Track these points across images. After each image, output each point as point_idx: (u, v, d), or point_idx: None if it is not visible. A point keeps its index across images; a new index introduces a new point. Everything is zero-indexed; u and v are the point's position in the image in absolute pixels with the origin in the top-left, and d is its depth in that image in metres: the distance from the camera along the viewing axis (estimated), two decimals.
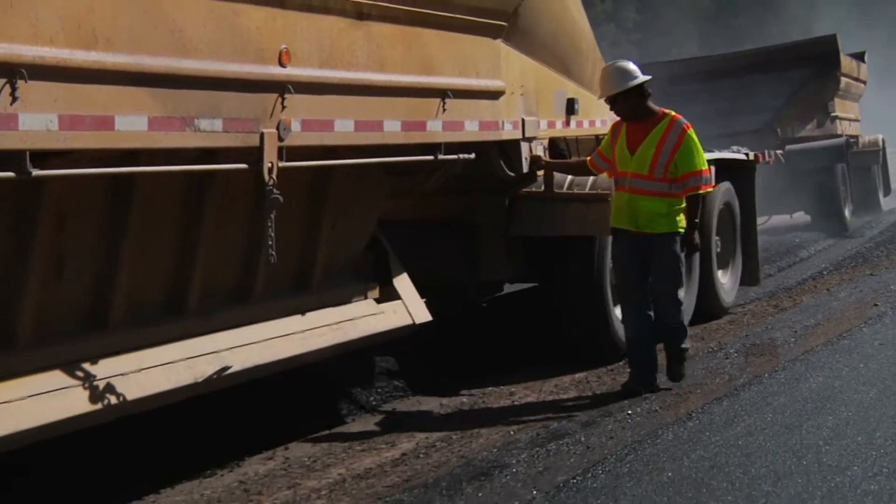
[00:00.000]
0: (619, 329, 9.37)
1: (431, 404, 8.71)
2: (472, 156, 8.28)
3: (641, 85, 8.47)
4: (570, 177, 9.57)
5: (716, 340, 10.71)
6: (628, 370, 8.77)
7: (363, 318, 7.87)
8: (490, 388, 9.08)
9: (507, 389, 9.04)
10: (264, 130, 6.16)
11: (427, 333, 8.79)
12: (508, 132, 8.79)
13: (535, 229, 9.61)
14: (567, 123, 10.27)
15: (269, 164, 6.21)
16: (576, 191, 9.52)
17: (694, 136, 8.50)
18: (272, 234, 6.27)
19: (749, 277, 12.98)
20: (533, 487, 6.31)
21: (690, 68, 23.50)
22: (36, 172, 5.02)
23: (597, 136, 10.13)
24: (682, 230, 8.50)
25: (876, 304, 12.06)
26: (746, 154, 12.86)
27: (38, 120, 4.92)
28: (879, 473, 6.10)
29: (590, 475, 6.43)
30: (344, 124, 6.82)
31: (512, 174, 9.12)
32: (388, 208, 8.57)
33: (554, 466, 6.72)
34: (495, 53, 8.48)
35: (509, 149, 9.05)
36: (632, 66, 8.55)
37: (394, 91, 7.28)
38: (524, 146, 9.15)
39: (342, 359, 8.16)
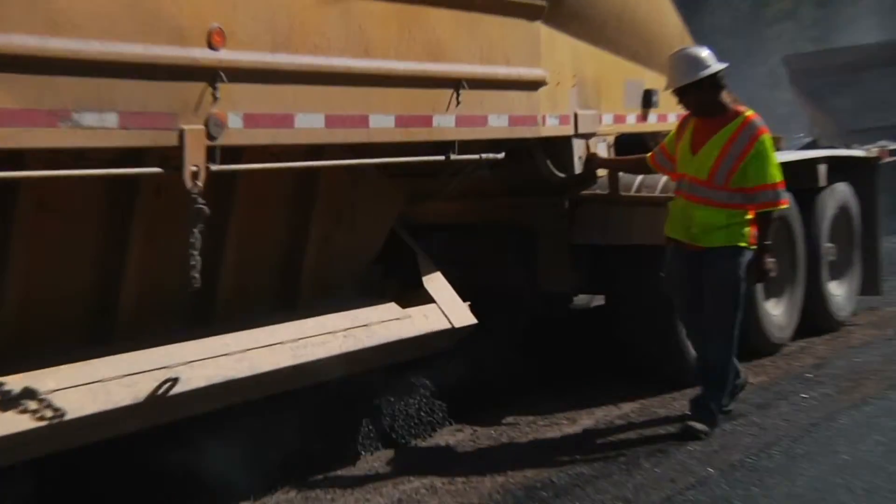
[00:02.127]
0: (692, 351, 7.94)
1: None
2: (500, 155, 6.95)
3: (715, 76, 7.06)
4: (640, 177, 8.17)
5: (892, 327, 10.59)
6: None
7: (381, 323, 6.58)
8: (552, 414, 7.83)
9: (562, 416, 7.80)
10: (185, 127, 4.94)
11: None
12: (553, 128, 7.45)
13: (598, 236, 8.26)
14: (643, 118, 8.85)
15: (194, 168, 4.99)
16: (644, 193, 8.11)
17: (768, 142, 7.07)
18: (196, 254, 5.05)
19: (870, 286, 11.31)
20: (708, 465, 6.41)
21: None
22: None
23: None
24: (744, 245, 7.07)
25: None
26: (866, 151, 11.14)
27: None
28: None
29: (764, 455, 6.56)
30: (309, 119, 5.57)
31: (562, 175, 7.76)
32: (411, 213, 7.37)
33: (729, 446, 6.81)
34: (532, 37, 7.13)
35: (559, 147, 7.70)
36: (705, 53, 7.15)
37: (384, 80, 6.00)
38: (577, 143, 7.80)
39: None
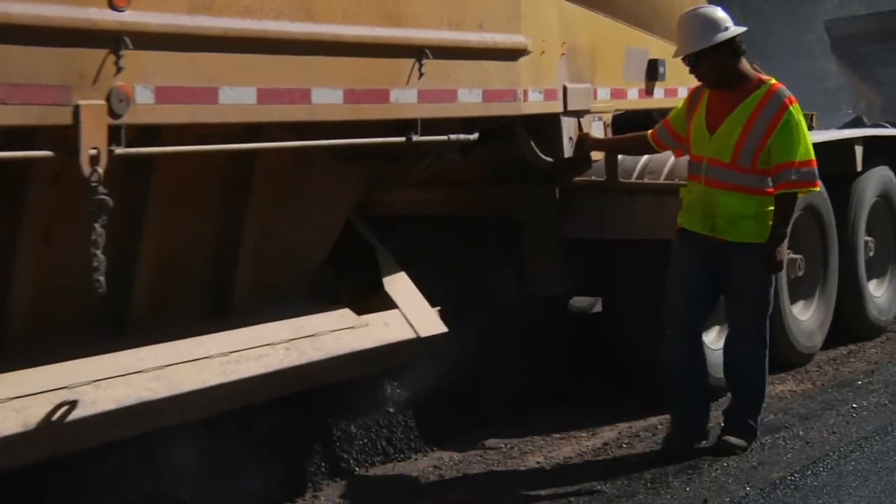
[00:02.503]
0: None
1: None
2: (473, 136, 6.68)
3: (734, 40, 6.76)
4: (642, 161, 7.89)
5: None
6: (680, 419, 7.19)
7: (331, 333, 6.27)
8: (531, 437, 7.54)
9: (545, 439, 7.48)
10: (81, 102, 4.66)
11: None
12: (537, 104, 7.17)
13: (594, 230, 7.98)
14: (648, 92, 8.58)
15: (93, 152, 4.71)
16: (647, 180, 7.83)
17: (798, 113, 6.77)
18: (99, 253, 4.77)
19: None
20: (746, 483, 6.31)
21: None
22: None
23: None
24: None
25: None
26: None
27: None
28: None
29: (809, 472, 6.46)
30: (237, 94, 5.30)
31: (549, 159, 7.48)
32: (374, 203, 7.13)
33: (769, 461, 6.70)
34: None
35: (545, 126, 7.43)
36: (720, 14, 6.84)
37: (329, 48, 5.73)
38: (567, 122, 7.55)
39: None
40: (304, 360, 6.04)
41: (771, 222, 6.72)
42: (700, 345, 7.02)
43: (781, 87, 6.80)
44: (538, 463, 6.93)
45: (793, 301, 9.21)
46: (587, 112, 7.74)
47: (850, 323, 10.01)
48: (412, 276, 7.51)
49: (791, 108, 6.68)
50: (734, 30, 6.75)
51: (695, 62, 6.77)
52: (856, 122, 15.74)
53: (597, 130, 7.89)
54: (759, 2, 57.80)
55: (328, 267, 6.68)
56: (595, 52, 7.85)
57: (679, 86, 8.83)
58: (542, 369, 8.20)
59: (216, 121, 5.28)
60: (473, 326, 7.81)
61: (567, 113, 7.49)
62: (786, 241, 6.79)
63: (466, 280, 8.28)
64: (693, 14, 6.87)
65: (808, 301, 9.49)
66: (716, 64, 6.72)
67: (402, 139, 6.24)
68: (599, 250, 8.08)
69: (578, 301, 9.73)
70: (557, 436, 7.39)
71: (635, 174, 7.91)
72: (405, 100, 6.15)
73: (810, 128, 10.99)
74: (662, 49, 8.54)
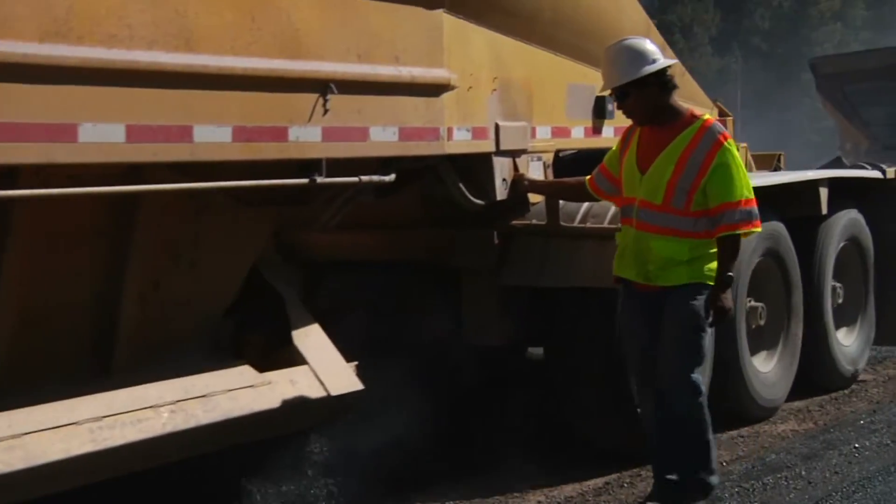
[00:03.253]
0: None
1: None
2: (389, 178, 6.10)
3: (663, 73, 6.21)
4: (586, 203, 7.30)
5: None
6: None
7: (227, 393, 5.68)
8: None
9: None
10: None
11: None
12: (463, 143, 6.58)
13: (533, 277, 7.36)
14: (595, 130, 7.99)
15: None
16: (590, 224, 7.23)
17: (734, 149, 6.22)
18: None
19: (888, 334, 10.41)
20: None
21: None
22: None
23: None
24: (710, 282, 6.21)
25: None
26: (883, 171, 10.23)
27: None
28: None
29: None
30: (100, 131, 4.71)
31: (479, 202, 6.89)
32: (306, 247, 6.68)
33: (772, 501, 6.62)
34: (432, 30, 6.30)
35: (476, 166, 6.85)
36: (649, 46, 6.32)
37: (214, 82, 5.16)
38: (500, 163, 6.96)
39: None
40: (192, 423, 5.45)
41: (707, 266, 6.17)
42: None
43: (715, 122, 6.28)
44: None
45: (753, 352, 8.61)
46: (524, 152, 7.15)
47: (817, 373, 9.41)
48: (341, 325, 6.97)
49: (725, 144, 6.15)
50: (663, 62, 6.23)
51: (621, 97, 6.26)
52: (835, 163, 15.12)
53: (535, 171, 7.31)
54: (758, 41, 57.53)
55: (229, 320, 6.08)
56: (532, 87, 7.26)
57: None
58: (471, 430, 7.57)
59: (76, 161, 4.69)
60: (405, 377, 7.26)
61: (500, 153, 6.91)
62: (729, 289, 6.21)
63: (400, 329, 7.69)
64: (619, 46, 6.32)
65: (771, 351, 8.90)
66: (644, 99, 6.21)
67: (305, 181, 5.64)
68: (540, 299, 7.48)
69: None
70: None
71: (578, 218, 7.32)
72: (307, 138, 5.58)
73: (776, 168, 10.54)
74: None
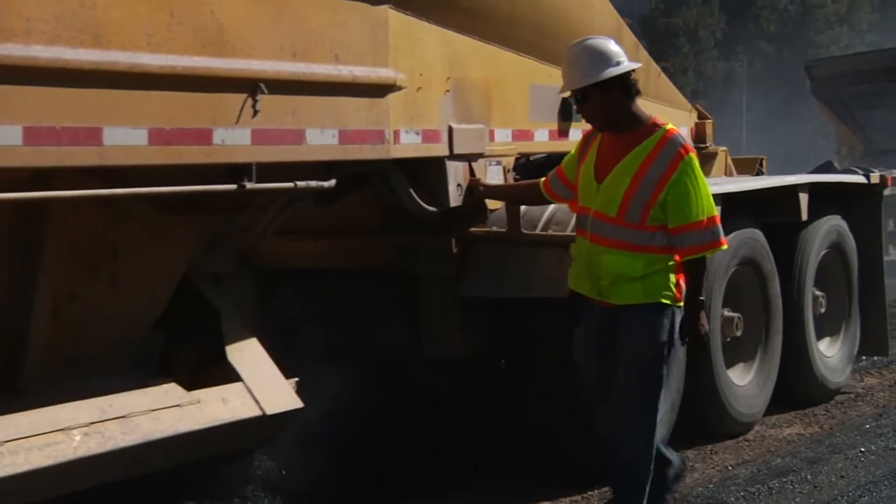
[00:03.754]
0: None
1: None
2: (329, 183, 5.68)
3: (628, 77, 5.75)
4: (550, 209, 6.88)
5: None
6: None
7: (149, 413, 5.24)
8: None
9: None
10: None
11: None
12: (412, 147, 6.17)
13: (492, 287, 6.92)
14: (562, 133, 7.55)
15: None
16: (552, 231, 6.80)
17: (695, 163, 5.73)
18: None
19: (873, 345, 9.97)
20: None
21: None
22: None
23: None
24: (668, 302, 5.74)
25: None
26: (866, 175, 9.79)
27: None
28: None
29: None
30: None
31: (432, 208, 6.47)
32: (260, 254, 6.49)
33: None
34: (376, 27, 5.87)
35: (427, 171, 6.43)
36: (613, 47, 5.83)
37: (129, 80, 4.74)
38: (454, 167, 6.53)
39: None
40: (108, 447, 5.02)
41: (663, 283, 5.72)
42: None
43: (678, 133, 5.77)
44: None
45: (729, 365, 8.19)
46: (480, 155, 6.72)
47: (797, 386, 8.98)
48: (295, 336, 6.59)
49: (687, 157, 5.66)
50: (627, 65, 5.76)
51: (582, 100, 5.79)
52: (826, 167, 14.67)
53: (494, 176, 6.88)
54: (764, 44, 56.97)
55: (157, 334, 5.66)
56: (491, 88, 6.83)
57: None
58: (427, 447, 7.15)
59: None
60: (358, 390, 6.86)
61: (454, 157, 6.48)
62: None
63: (357, 340, 7.29)
64: (581, 46, 5.85)
65: (748, 364, 8.48)
66: (605, 103, 5.73)
67: (233, 187, 5.22)
68: (501, 309, 7.05)
69: None
70: None
71: (540, 225, 6.88)
72: (234, 141, 5.16)
73: (758, 173, 10.10)
74: None
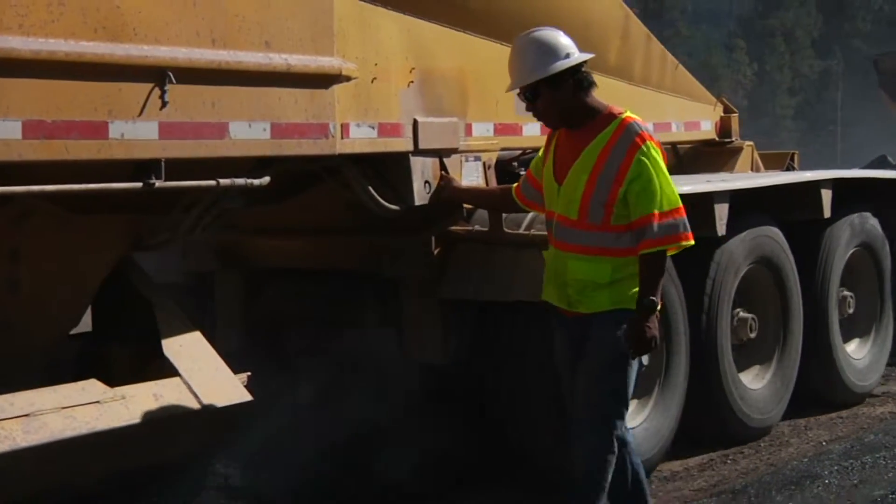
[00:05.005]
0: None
1: None
2: (260, 181, 4.79)
3: (579, 70, 4.83)
4: None
5: None
6: None
7: (60, 411, 4.36)
8: None
9: None
10: None
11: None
12: (365, 141, 5.27)
13: (473, 290, 5.99)
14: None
15: None
16: (536, 231, 5.84)
17: (654, 151, 4.78)
18: None
19: None
20: (848, 500, 5.95)
21: None
22: None
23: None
24: (634, 307, 4.79)
25: None
26: None
27: None
28: None
29: None
30: None
31: (394, 207, 5.56)
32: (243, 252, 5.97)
33: (870, 480, 6.27)
34: (318, 12, 4.96)
35: (389, 167, 5.52)
36: (562, 39, 4.91)
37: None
38: (420, 163, 5.60)
39: None
40: (4, 447, 4.17)
41: (633, 288, 4.79)
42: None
43: (635, 120, 4.82)
44: None
45: (742, 368, 7.21)
46: (454, 150, 5.79)
47: (821, 388, 7.91)
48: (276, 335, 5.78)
49: (645, 146, 4.73)
50: (578, 57, 4.84)
51: (531, 97, 4.88)
52: (879, 162, 13.47)
53: (471, 173, 5.97)
54: (859, 43, 54.95)
55: (72, 343, 4.81)
56: (466, 80, 5.90)
57: None
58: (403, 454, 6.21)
59: None
60: (336, 392, 6.02)
61: (419, 152, 5.55)
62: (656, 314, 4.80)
63: (336, 342, 6.43)
64: (526, 39, 4.92)
65: (765, 367, 7.44)
66: (556, 99, 4.83)
67: (139, 185, 4.36)
68: (483, 313, 6.12)
69: None
70: None
71: (525, 224, 5.95)
72: (137, 135, 4.29)
73: (789, 168, 8.99)
74: None
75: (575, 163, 4.81)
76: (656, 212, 4.69)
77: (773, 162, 8.96)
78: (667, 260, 4.83)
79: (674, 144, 8.11)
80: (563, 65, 4.76)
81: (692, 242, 4.85)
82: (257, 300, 6.60)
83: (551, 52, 4.81)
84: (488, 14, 5.92)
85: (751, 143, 8.60)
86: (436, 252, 6.03)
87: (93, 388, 4.53)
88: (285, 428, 6.09)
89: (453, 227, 6.01)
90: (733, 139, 8.43)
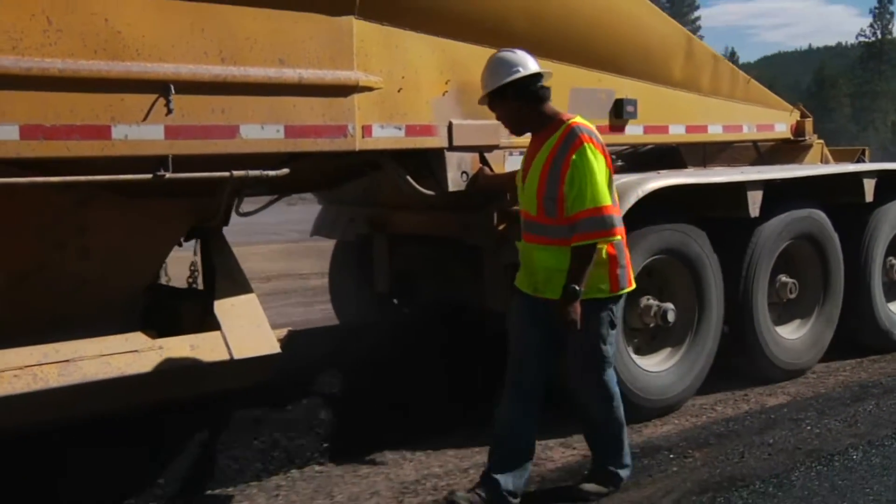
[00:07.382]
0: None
1: None
2: (277, 172, 3.47)
3: (521, 84, 3.32)
4: None
5: None
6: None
7: (98, 358, 3.28)
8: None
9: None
10: None
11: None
12: (391, 139, 3.81)
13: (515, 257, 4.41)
14: (618, 129, 4.80)
15: None
16: None
17: (591, 152, 3.21)
18: None
19: None
20: (851, 436, 4.14)
21: None
22: None
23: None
24: (601, 295, 3.31)
25: None
26: None
27: None
28: None
29: None
30: None
31: (430, 192, 4.07)
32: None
33: (881, 423, 4.38)
34: (337, 35, 3.54)
35: (428, 160, 4.02)
36: (517, 57, 3.42)
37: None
38: (457, 157, 4.06)
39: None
40: (37, 387, 3.13)
41: (596, 275, 3.27)
42: (533, 407, 3.47)
43: (578, 124, 3.26)
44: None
45: (783, 322, 5.19)
46: (494, 147, 4.20)
47: (862, 336, 5.68)
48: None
49: (582, 147, 3.19)
50: (523, 71, 3.33)
51: (491, 107, 3.44)
52: None
53: (515, 165, 4.32)
54: None
55: (140, 297, 3.67)
56: None
57: (669, 122, 5.02)
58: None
59: None
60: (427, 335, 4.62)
61: (455, 148, 4.02)
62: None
63: (446, 293, 5.02)
64: (490, 58, 3.47)
65: (805, 320, 5.35)
66: (506, 110, 3.40)
67: (149, 176, 3.16)
68: None
69: None
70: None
71: None
72: (141, 136, 3.07)
73: (860, 161, 6.63)
74: (634, 88, 4.77)
75: (532, 164, 3.29)
76: (587, 208, 3.14)
77: (845, 156, 6.59)
78: (594, 252, 3.15)
79: (753, 142, 6.06)
80: (506, 79, 3.31)
81: (618, 238, 3.17)
82: (396, 257, 5.30)
83: (503, 69, 3.35)
84: (541, 41, 4.22)
85: (820, 140, 6.30)
86: (499, 227, 4.46)
87: (136, 339, 3.43)
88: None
89: (514, 207, 4.43)
90: (806, 138, 6.18)
